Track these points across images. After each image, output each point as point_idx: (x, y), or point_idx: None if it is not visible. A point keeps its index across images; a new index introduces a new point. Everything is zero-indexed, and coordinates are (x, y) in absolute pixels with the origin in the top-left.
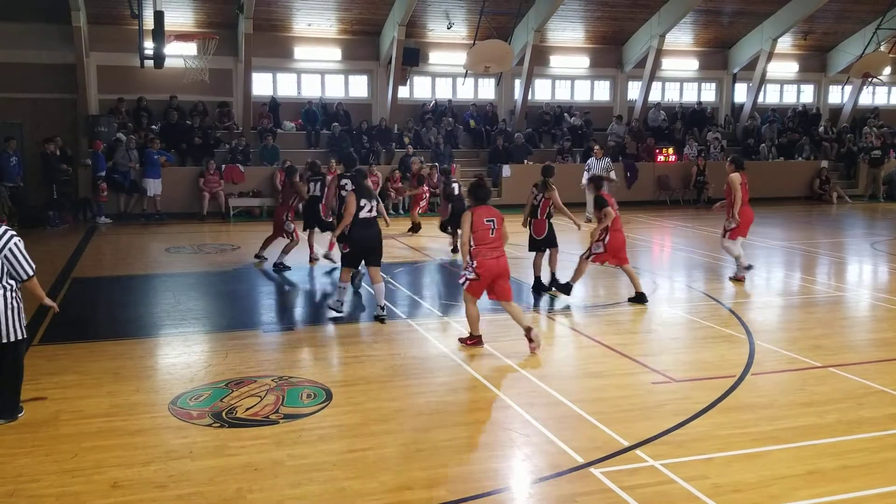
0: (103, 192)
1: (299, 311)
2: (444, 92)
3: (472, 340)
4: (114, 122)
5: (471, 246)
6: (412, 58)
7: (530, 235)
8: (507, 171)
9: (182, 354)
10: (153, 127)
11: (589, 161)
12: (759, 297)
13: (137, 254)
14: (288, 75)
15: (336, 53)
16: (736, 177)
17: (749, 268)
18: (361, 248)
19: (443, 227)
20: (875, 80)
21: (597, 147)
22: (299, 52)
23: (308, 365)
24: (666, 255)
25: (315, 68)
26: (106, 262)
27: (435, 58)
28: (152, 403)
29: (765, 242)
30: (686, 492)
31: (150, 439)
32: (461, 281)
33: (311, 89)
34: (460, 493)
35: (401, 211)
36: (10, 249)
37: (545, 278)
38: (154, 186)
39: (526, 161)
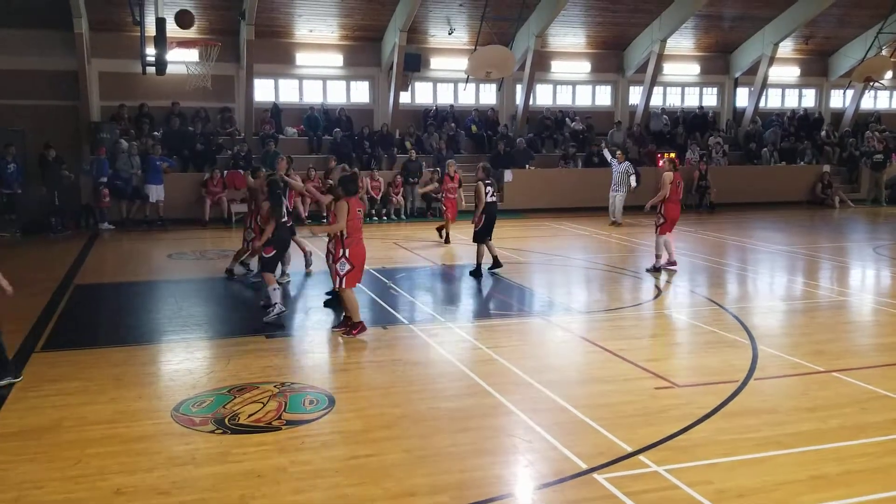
0: (105, 198)
1: (302, 317)
2: (445, 97)
3: (357, 329)
4: (116, 129)
5: (344, 235)
6: (414, 63)
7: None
8: (508, 175)
9: (184, 361)
10: (155, 133)
11: (612, 163)
12: (762, 301)
13: (140, 260)
14: (290, 81)
15: (338, 59)
16: (668, 175)
17: (672, 264)
18: (283, 249)
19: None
20: (876, 84)
21: (619, 152)
22: (301, 58)
23: (310, 371)
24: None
25: (317, 74)
26: (108, 268)
27: (436, 63)
28: (155, 410)
29: (767, 247)
30: (690, 497)
31: (152, 446)
32: (338, 282)
33: (313, 95)
34: (463, 499)
35: (402, 216)
36: None
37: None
38: (156, 193)
39: (528, 166)
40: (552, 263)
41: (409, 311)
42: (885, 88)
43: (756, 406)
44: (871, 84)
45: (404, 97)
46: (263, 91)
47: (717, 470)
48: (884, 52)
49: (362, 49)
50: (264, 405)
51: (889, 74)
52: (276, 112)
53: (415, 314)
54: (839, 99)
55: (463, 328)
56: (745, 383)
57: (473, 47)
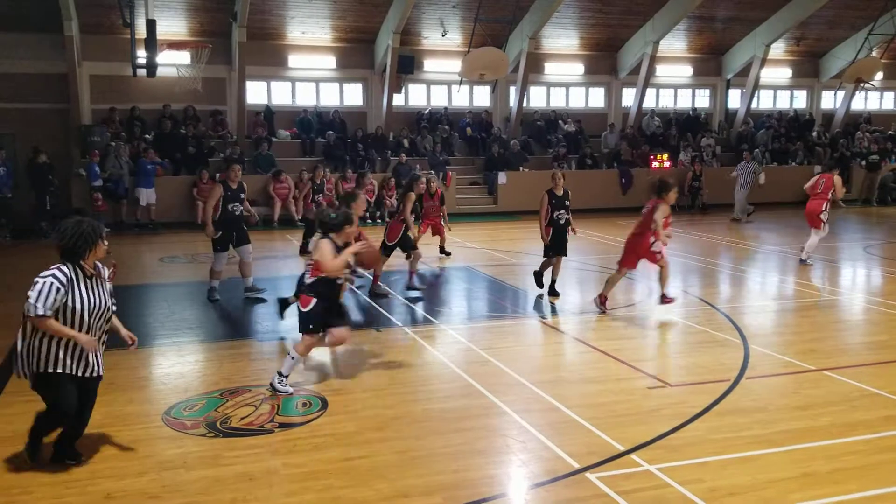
0: (98, 201)
1: (292, 320)
2: (439, 99)
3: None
4: (107, 132)
5: None
6: (407, 65)
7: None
8: (502, 178)
9: (176, 364)
10: (146, 136)
11: (738, 165)
12: (754, 301)
13: (131, 263)
14: (282, 83)
15: (331, 61)
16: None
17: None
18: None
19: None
20: (867, 85)
21: (745, 153)
22: (294, 60)
23: (303, 373)
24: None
25: (310, 76)
26: None
27: (430, 65)
28: (146, 414)
29: (760, 247)
30: (682, 496)
31: (143, 450)
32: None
33: (306, 97)
34: (456, 500)
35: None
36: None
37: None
38: (147, 196)
39: (521, 168)
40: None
41: (403, 313)
42: (876, 89)
43: (747, 405)
44: (862, 85)
45: (398, 99)
46: (255, 93)
47: (708, 468)
48: (874, 54)
49: (355, 51)
50: (257, 408)
51: (879, 75)
52: (268, 114)
53: (408, 316)
54: (830, 100)
55: (456, 330)
56: (736, 382)
57: (467, 49)
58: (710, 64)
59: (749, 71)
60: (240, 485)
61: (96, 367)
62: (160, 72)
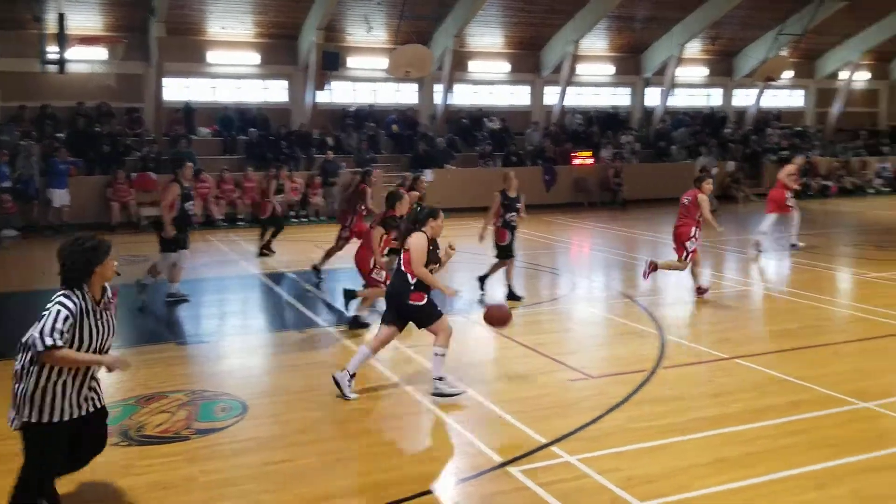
0: (7, 204)
1: (216, 322)
2: (365, 96)
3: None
4: (16, 131)
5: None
6: (332, 62)
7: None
8: (429, 175)
9: None
10: (58, 135)
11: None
12: (672, 293)
13: (43, 267)
14: (202, 80)
15: (253, 58)
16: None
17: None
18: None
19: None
20: (775, 83)
21: (702, 149)
22: (214, 56)
23: (224, 377)
24: (584, 256)
25: (231, 73)
26: (10, 277)
27: (355, 62)
28: None
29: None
30: (600, 485)
31: None
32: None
33: (228, 94)
34: (380, 500)
35: (322, 218)
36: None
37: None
38: (59, 197)
39: (447, 165)
40: (473, 262)
41: (329, 314)
42: (785, 87)
43: (663, 394)
44: (771, 83)
45: (323, 96)
46: (174, 90)
47: (626, 457)
48: (783, 53)
49: (278, 47)
50: (173, 414)
51: (788, 74)
52: (187, 112)
53: (334, 317)
54: (743, 98)
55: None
56: (653, 372)
57: (392, 46)
58: (629, 63)
59: (666, 70)
60: (152, 494)
61: (96, 400)
62: (73, 68)
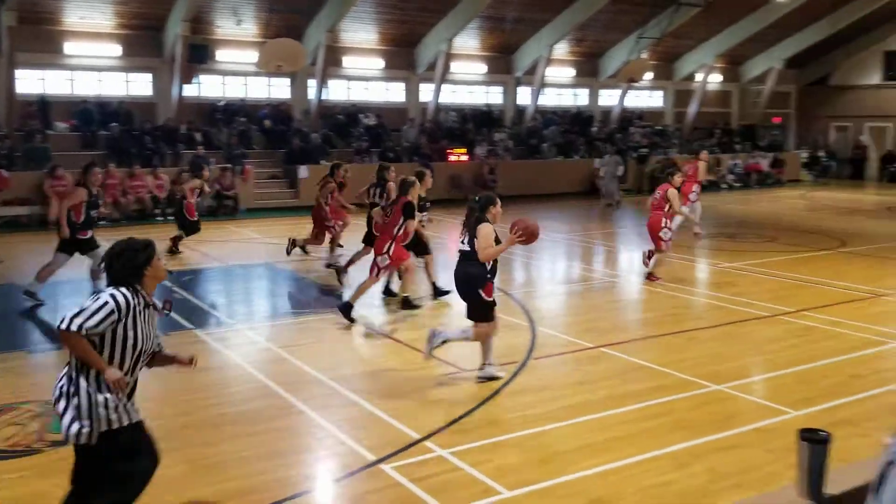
0: None
1: None
2: (235, 91)
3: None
4: None
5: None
6: (199, 55)
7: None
8: (303, 171)
9: None
10: None
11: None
12: (543, 286)
13: None
14: (59, 72)
15: (114, 49)
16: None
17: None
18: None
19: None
20: (637, 84)
21: (608, 147)
22: (72, 47)
23: None
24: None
25: (91, 65)
26: None
27: (224, 55)
28: None
29: (549, 235)
30: (471, 477)
31: None
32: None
33: (87, 87)
34: None
35: (233, 215)
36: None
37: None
38: None
39: (322, 162)
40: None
41: (196, 315)
42: (646, 88)
43: (534, 384)
44: (633, 84)
45: (190, 90)
46: (28, 83)
47: (497, 448)
48: (644, 55)
49: (142, 39)
50: (24, 427)
51: (649, 75)
52: (42, 105)
53: (202, 318)
54: (608, 98)
55: (254, 329)
56: (524, 363)
57: (263, 40)
58: (501, 62)
59: (536, 70)
60: None
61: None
62: None
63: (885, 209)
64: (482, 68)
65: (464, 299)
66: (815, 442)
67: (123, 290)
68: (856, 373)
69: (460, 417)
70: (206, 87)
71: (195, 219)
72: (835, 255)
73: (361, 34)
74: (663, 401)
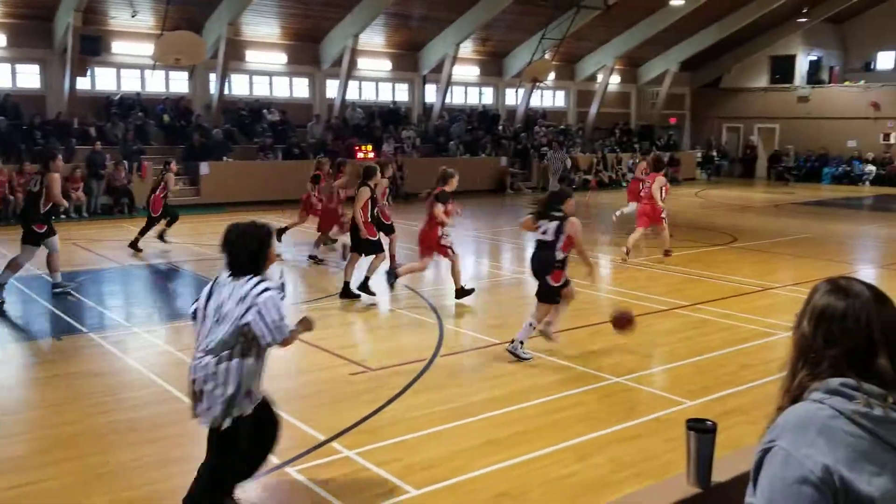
0: None
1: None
2: (131, 84)
3: None
4: None
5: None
6: (92, 47)
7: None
8: (204, 168)
9: None
10: None
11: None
12: (451, 283)
13: None
14: None
15: None
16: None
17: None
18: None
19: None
20: (540, 84)
21: (554, 143)
22: None
23: None
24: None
25: None
26: None
27: (119, 48)
28: None
29: (456, 232)
30: (379, 477)
31: None
32: None
33: None
34: None
35: (84, 214)
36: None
37: None
38: None
39: (225, 158)
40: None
41: (91, 318)
42: (549, 88)
43: (442, 381)
44: (537, 84)
45: (83, 83)
46: None
47: (404, 446)
48: (547, 56)
49: (29, 29)
50: None
51: (552, 76)
52: None
53: (97, 321)
54: (513, 97)
55: (152, 332)
56: (432, 360)
57: (160, 32)
58: (407, 60)
59: (443, 68)
60: None
61: None
62: None
63: (773, 206)
64: (388, 65)
65: (537, 281)
66: (701, 432)
67: (264, 278)
68: (746, 363)
69: (367, 417)
70: (100, 80)
71: (157, 215)
72: (727, 250)
73: (264, 28)
74: (568, 394)
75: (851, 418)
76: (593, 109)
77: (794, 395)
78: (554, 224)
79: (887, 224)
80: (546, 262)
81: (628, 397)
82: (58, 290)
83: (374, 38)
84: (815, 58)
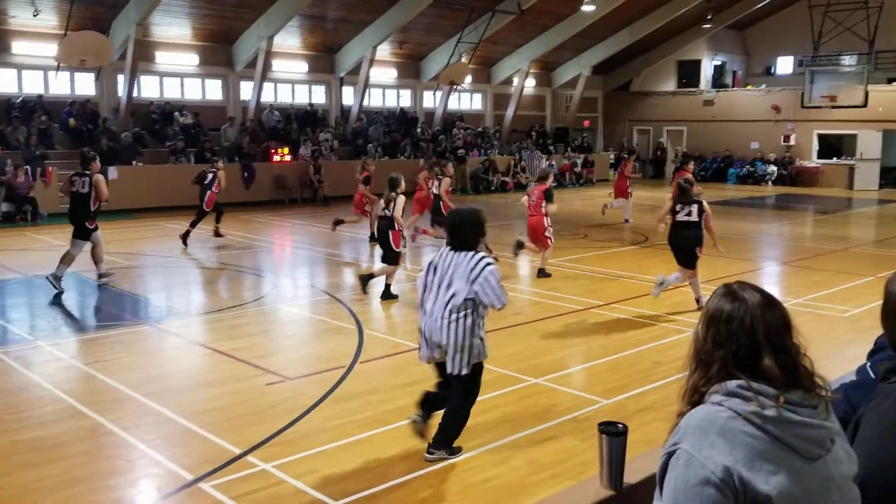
0: None
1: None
2: (33, 86)
3: None
4: None
5: None
6: None
7: None
8: (113, 173)
9: None
10: None
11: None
12: (374, 289)
13: None
14: None
15: None
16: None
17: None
18: None
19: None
20: (458, 87)
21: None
22: None
23: None
24: (286, 254)
25: None
26: None
27: (20, 48)
28: None
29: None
30: (296, 489)
31: None
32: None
33: None
34: None
35: (34, 221)
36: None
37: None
38: None
39: (135, 162)
40: (167, 266)
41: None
42: (466, 91)
43: (360, 388)
44: (455, 87)
45: None
46: None
47: (322, 457)
48: (463, 60)
49: None
50: None
51: (468, 79)
52: None
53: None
54: (431, 100)
55: (57, 346)
56: (350, 368)
57: (64, 32)
58: (324, 62)
59: (360, 70)
60: None
61: None
62: None
63: None
64: (305, 67)
65: (685, 253)
66: (612, 434)
67: (480, 252)
68: (659, 360)
69: (284, 428)
70: None
71: (210, 209)
72: (639, 250)
73: (175, 29)
74: (486, 397)
75: (748, 419)
76: (510, 112)
77: (692, 400)
78: (696, 206)
79: (789, 222)
80: (697, 238)
81: (545, 398)
82: (103, 278)
83: (289, 39)
84: (719, 63)
